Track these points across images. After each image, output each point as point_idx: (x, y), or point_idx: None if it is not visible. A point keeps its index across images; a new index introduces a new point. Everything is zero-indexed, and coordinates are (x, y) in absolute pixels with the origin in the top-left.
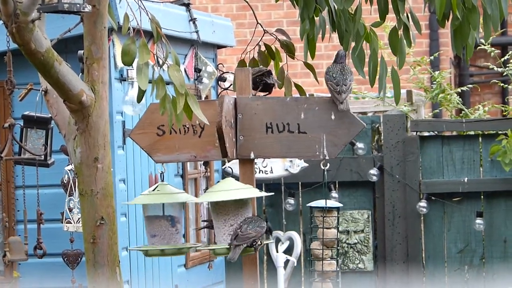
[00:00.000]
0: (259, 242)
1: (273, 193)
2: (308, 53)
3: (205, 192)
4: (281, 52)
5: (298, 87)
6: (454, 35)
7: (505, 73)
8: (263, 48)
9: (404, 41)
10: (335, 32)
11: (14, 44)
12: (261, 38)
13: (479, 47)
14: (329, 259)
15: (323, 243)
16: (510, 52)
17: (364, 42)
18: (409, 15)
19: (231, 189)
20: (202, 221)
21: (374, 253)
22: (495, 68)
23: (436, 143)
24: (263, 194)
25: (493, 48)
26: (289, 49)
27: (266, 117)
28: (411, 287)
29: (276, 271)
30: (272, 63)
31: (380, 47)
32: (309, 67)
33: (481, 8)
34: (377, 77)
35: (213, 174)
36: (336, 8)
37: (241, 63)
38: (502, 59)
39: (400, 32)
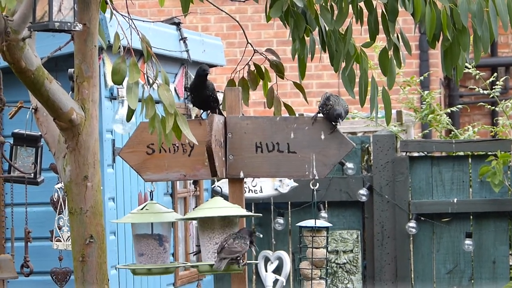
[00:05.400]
0: (245, 261)
1: (260, 215)
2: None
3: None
4: (271, 72)
5: (287, 107)
6: (444, 56)
7: (491, 95)
8: (252, 68)
9: (394, 61)
10: (325, 52)
11: (5, 62)
12: (251, 58)
13: (466, 70)
14: (318, 279)
15: (312, 262)
16: (495, 74)
17: (354, 62)
18: (399, 35)
19: (218, 207)
20: (196, 245)
21: (363, 273)
22: (481, 91)
23: (426, 164)
24: (250, 214)
25: (478, 71)
26: (279, 69)
27: (255, 137)
28: None
29: None
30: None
31: (370, 67)
32: (299, 87)
33: (472, 29)
34: (368, 97)
35: (203, 193)
36: (326, 29)
37: (231, 83)
38: (488, 81)
39: (390, 52)
